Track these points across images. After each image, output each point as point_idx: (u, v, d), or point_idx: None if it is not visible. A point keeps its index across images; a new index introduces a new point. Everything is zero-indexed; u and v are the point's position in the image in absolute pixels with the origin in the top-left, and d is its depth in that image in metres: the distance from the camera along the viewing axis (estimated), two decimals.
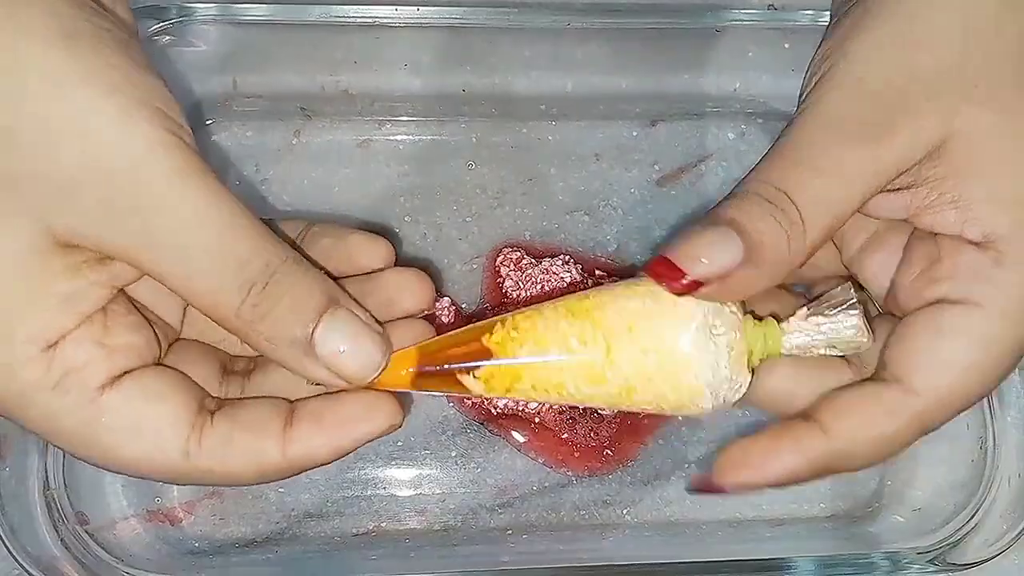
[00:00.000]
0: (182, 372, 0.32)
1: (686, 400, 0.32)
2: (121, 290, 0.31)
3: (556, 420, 0.48)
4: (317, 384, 0.31)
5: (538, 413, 0.48)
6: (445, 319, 0.49)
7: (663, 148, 0.54)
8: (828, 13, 0.48)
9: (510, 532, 0.47)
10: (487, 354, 0.33)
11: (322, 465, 0.32)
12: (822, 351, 0.33)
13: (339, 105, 0.51)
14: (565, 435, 0.48)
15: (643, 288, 0.32)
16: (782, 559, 0.43)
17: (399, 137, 0.52)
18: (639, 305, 0.32)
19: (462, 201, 0.52)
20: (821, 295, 0.34)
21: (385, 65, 0.50)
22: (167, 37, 0.47)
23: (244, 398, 0.33)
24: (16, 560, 0.40)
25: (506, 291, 0.50)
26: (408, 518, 0.47)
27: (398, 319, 0.34)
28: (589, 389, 0.32)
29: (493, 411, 0.48)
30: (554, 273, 0.49)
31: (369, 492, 0.47)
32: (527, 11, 0.48)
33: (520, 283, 0.49)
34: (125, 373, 0.30)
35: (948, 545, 0.43)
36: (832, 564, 0.43)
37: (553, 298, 0.34)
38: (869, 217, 0.34)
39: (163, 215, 0.28)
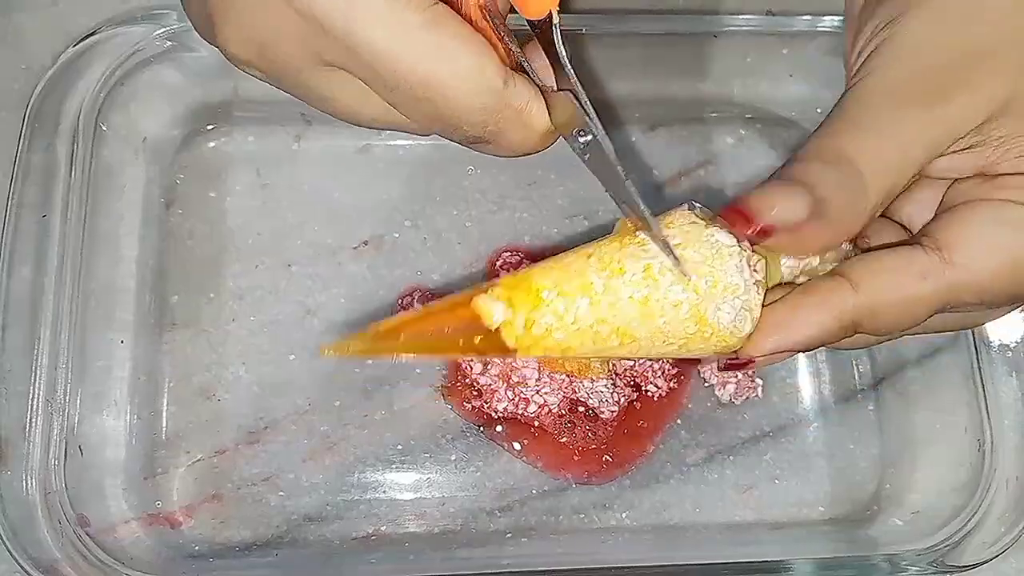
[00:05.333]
0: None
1: (716, 324, 0.32)
2: None
3: (555, 424, 0.48)
4: None
5: (537, 417, 0.48)
6: None
7: (662, 153, 0.54)
8: (826, 18, 0.49)
9: (509, 536, 0.47)
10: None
11: None
12: (816, 263, 0.34)
13: None
14: (564, 439, 0.48)
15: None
16: (781, 562, 0.43)
17: (399, 142, 0.53)
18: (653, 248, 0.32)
19: (462, 206, 0.52)
20: None
21: None
22: (169, 43, 0.47)
23: None
24: (17, 562, 0.40)
25: None
26: (407, 522, 0.47)
27: None
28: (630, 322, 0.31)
29: (493, 415, 0.48)
30: None
31: (369, 496, 0.47)
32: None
33: None
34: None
35: (947, 547, 0.43)
36: (831, 567, 0.43)
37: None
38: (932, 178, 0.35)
39: None
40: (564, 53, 0.32)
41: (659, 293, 0.31)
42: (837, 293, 0.32)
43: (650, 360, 0.33)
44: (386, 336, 0.31)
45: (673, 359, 0.43)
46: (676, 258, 0.31)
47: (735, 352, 0.33)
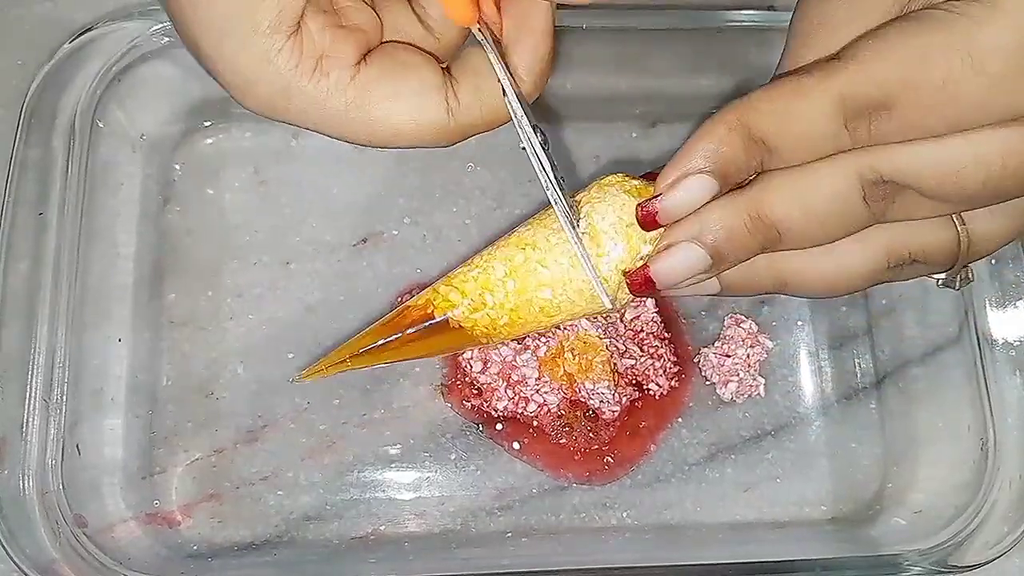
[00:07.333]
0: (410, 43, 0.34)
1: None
2: None
3: (554, 424, 0.48)
4: None
5: (536, 416, 0.48)
6: None
7: (663, 150, 0.54)
8: None
9: (509, 535, 0.47)
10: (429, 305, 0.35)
11: None
12: None
13: None
14: (563, 440, 0.48)
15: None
16: (783, 562, 0.43)
17: None
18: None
19: (461, 203, 0.52)
20: None
21: None
22: (166, 39, 0.47)
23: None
24: (15, 563, 0.40)
25: None
26: (407, 521, 0.47)
27: None
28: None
29: (493, 413, 0.48)
30: None
31: (368, 495, 0.47)
32: None
33: None
34: (369, 51, 0.32)
35: (949, 547, 0.43)
36: (833, 567, 0.43)
37: None
38: None
39: None
40: (501, 71, 0.33)
41: (548, 218, 0.35)
42: (722, 110, 0.30)
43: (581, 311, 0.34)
44: (350, 355, 0.35)
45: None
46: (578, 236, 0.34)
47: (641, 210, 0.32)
